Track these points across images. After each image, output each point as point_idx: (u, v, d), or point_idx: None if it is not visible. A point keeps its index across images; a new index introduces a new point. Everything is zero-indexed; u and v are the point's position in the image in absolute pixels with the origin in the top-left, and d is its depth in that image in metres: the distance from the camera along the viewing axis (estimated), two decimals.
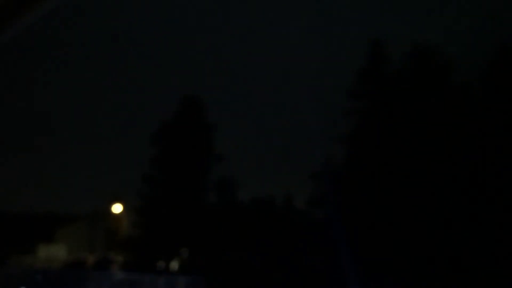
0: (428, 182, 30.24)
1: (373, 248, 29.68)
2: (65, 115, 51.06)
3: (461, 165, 30.03)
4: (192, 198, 37.56)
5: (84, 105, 51.90)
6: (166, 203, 37.15)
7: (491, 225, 28.52)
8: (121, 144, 46.51)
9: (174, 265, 37.86)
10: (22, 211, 44.66)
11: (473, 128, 30.90)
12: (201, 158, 38.17)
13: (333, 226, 30.55)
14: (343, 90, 33.84)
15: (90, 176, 46.85)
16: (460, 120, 31.23)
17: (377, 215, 30.37)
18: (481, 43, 33.97)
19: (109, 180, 43.90)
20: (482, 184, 29.52)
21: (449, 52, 32.79)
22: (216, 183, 38.98)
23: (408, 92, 32.72)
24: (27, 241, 42.15)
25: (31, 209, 45.22)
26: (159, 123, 38.68)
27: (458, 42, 36.00)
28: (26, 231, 42.89)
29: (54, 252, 42.06)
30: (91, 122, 50.81)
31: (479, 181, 29.62)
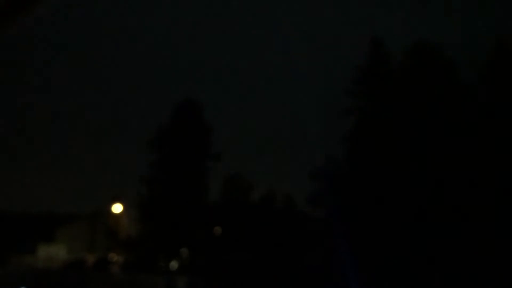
0: (427, 180, 30.24)
1: (373, 246, 29.68)
2: (66, 117, 51.14)
3: (461, 163, 30.02)
4: (191, 198, 37.59)
5: (84, 106, 51.99)
6: (166, 203, 37.17)
7: (490, 225, 28.51)
8: (121, 145, 46.58)
9: (174, 265, 37.87)
10: (22, 211, 44.71)
11: (474, 125, 30.89)
12: (199, 158, 38.25)
13: (333, 224, 30.57)
14: (343, 89, 33.93)
15: (90, 176, 46.93)
16: (460, 117, 31.22)
17: (376, 214, 30.37)
18: (480, 41, 34.04)
19: (109, 180, 43.91)
20: (481, 181, 29.51)
21: (450, 50, 32.88)
22: (223, 182, 39.34)
23: (407, 90, 32.70)
24: (27, 241, 42.14)
25: (31, 209, 45.28)
26: (158, 124, 38.93)
27: (458, 40, 36.10)
28: (26, 231, 42.89)
29: (54, 252, 42.05)
30: (91, 124, 50.90)
31: (478, 178, 29.61)
